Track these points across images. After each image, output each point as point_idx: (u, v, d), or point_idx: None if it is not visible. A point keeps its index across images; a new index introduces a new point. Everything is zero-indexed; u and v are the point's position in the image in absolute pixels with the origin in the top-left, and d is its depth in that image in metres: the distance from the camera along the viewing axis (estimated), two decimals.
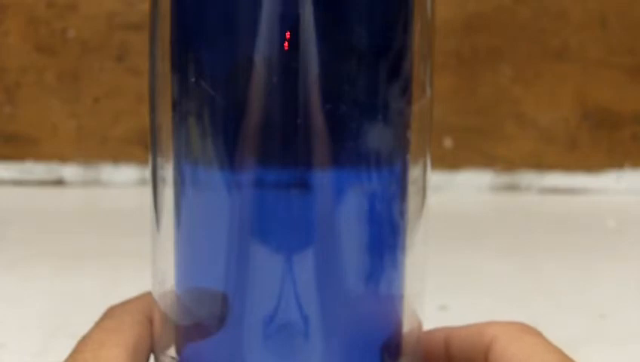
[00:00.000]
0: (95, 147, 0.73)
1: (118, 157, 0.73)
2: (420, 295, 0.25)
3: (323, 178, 0.22)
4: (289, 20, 0.21)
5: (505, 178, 0.74)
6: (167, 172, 0.24)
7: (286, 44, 0.21)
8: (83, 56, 0.72)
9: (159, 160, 0.24)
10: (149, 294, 0.25)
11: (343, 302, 0.22)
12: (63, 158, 0.74)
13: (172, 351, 0.24)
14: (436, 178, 0.73)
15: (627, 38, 0.73)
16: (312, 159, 0.21)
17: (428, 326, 0.26)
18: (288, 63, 0.21)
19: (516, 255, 0.58)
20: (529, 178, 0.74)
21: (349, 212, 0.22)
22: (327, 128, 0.21)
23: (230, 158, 0.22)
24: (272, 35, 0.21)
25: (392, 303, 0.24)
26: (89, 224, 0.65)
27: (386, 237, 0.23)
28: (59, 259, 0.55)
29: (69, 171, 0.74)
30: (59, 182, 0.74)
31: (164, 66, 0.23)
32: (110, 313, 0.24)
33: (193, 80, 0.22)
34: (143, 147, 0.73)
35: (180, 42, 0.22)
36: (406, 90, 0.23)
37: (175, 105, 0.23)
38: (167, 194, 0.24)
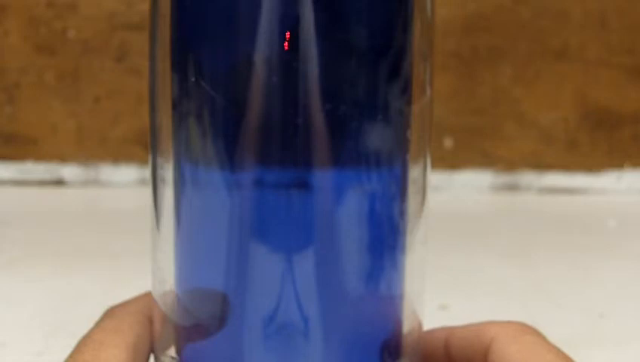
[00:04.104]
0: (95, 147, 0.73)
1: (118, 157, 0.73)
2: (420, 295, 0.25)
3: (323, 178, 0.22)
4: (289, 20, 0.21)
5: (505, 178, 0.74)
6: (167, 172, 0.24)
7: (286, 44, 0.21)
8: (83, 56, 0.72)
9: (159, 160, 0.24)
10: (149, 294, 0.25)
11: (342, 302, 0.22)
12: (63, 158, 0.74)
13: (172, 351, 0.24)
14: (436, 178, 0.73)
15: (627, 38, 0.73)
16: (312, 159, 0.21)
17: (428, 326, 0.26)
18: (288, 63, 0.21)
19: (516, 255, 0.58)
20: (529, 178, 0.74)
21: (348, 212, 0.22)
22: (327, 128, 0.21)
23: (230, 158, 0.22)
24: (272, 35, 0.21)
25: (392, 303, 0.24)
26: (89, 224, 0.65)
27: (386, 237, 0.23)
28: (59, 259, 0.55)
29: (69, 171, 0.74)
30: (59, 182, 0.74)
31: (164, 66, 0.23)
32: (110, 313, 0.24)
33: (193, 80, 0.22)
34: (143, 147, 0.73)
35: (180, 42, 0.22)
36: (406, 90, 0.23)
37: (175, 105, 0.23)
38: (167, 194, 0.24)
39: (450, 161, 0.74)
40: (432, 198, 0.25)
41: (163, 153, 0.23)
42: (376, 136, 0.22)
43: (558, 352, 0.23)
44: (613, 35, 0.73)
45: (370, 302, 0.23)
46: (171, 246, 0.24)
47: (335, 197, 0.22)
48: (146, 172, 0.71)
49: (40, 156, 0.74)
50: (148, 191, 0.24)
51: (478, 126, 0.74)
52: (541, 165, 0.74)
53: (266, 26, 0.21)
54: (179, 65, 0.22)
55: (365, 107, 0.22)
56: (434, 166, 0.72)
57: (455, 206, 0.69)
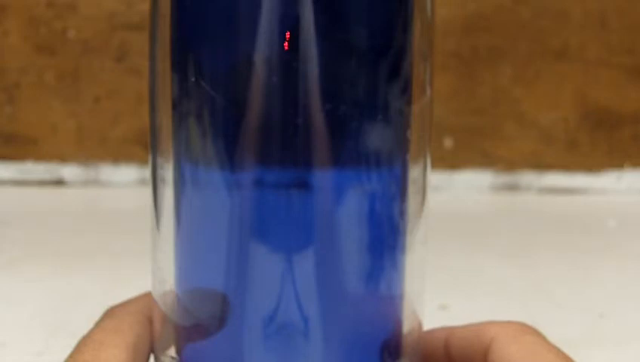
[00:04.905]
0: (95, 147, 0.73)
1: (118, 157, 0.73)
2: (420, 295, 0.25)
3: (323, 178, 0.22)
4: (289, 20, 0.21)
5: (505, 178, 0.74)
6: (167, 172, 0.24)
7: (286, 44, 0.21)
8: (83, 56, 0.72)
9: (159, 160, 0.24)
10: (149, 294, 0.25)
11: (342, 302, 0.22)
12: (63, 158, 0.74)
13: (172, 351, 0.24)
14: (436, 178, 0.73)
15: (627, 38, 0.73)
16: (312, 159, 0.21)
17: (428, 326, 0.26)
18: (288, 63, 0.21)
19: (516, 255, 0.58)
20: (529, 178, 0.74)
21: (348, 212, 0.22)
22: (327, 128, 0.21)
23: (230, 158, 0.22)
24: (272, 35, 0.21)
25: (392, 303, 0.24)
26: (89, 224, 0.65)
27: (385, 237, 0.23)
28: (59, 259, 0.55)
29: (69, 171, 0.74)
30: (59, 182, 0.74)
31: (164, 66, 0.23)
32: (110, 313, 0.24)
33: (193, 80, 0.22)
34: (143, 147, 0.73)
35: (180, 42, 0.22)
36: (406, 90, 0.23)
37: (175, 105, 0.23)
38: (167, 194, 0.24)
39: (450, 161, 0.74)
40: (432, 198, 0.25)
41: (163, 153, 0.23)
42: (376, 136, 0.22)
43: (558, 352, 0.23)
44: (613, 35, 0.73)
45: (370, 302, 0.23)
46: (171, 246, 0.24)
47: (335, 197, 0.22)
48: (146, 172, 0.71)
49: (40, 156, 0.74)
50: (148, 191, 0.24)
51: (478, 126, 0.74)
52: (541, 165, 0.74)
53: (266, 26, 0.21)
54: (179, 65, 0.22)
55: (365, 107, 0.22)
56: (434, 166, 0.72)
57: (455, 206, 0.69)
